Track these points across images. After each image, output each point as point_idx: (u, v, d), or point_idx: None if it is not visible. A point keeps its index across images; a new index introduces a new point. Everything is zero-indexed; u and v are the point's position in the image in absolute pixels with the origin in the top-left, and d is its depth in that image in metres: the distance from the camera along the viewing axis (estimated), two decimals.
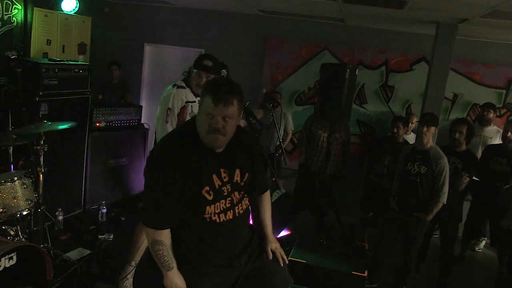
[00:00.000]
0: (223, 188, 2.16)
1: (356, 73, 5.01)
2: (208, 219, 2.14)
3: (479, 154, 5.05)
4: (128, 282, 3.50)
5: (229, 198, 2.20)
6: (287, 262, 2.44)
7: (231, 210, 2.22)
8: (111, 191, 5.21)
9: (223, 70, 3.92)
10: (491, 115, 5.49)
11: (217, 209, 2.15)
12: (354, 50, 6.36)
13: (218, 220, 2.16)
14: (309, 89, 6.57)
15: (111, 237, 4.47)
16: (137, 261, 3.50)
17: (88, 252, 4.05)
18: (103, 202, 4.94)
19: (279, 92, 6.29)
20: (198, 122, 2.08)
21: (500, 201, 4.46)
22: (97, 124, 5.07)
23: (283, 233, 4.57)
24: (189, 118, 3.13)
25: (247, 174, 2.27)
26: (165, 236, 2.10)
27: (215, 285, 2.22)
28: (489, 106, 5.56)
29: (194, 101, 3.42)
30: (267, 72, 6.65)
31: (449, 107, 6.20)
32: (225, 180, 2.17)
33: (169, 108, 3.29)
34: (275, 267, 2.40)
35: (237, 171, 2.22)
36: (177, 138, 2.16)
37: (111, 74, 6.27)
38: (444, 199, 3.96)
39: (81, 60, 5.41)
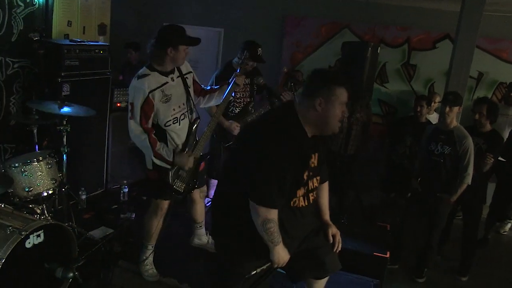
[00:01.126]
0: (311, 173, 2.34)
1: (378, 51, 5.00)
2: (292, 204, 2.31)
3: (505, 134, 4.94)
4: (149, 261, 3.58)
5: (310, 183, 2.38)
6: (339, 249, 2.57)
7: (308, 196, 2.39)
8: (132, 171, 5.27)
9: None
10: None
11: (301, 193, 2.33)
12: (375, 28, 6.23)
13: (299, 205, 2.34)
14: (330, 68, 6.45)
15: (133, 216, 4.55)
16: (154, 245, 3.58)
17: (110, 231, 4.13)
18: (125, 181, 5.02)
19: (300, 71, 6.24)
20: (329, 111, 2.22)
21: None
22: (118, 105, 5.11)
23: None
24: (162, 105, 3.12)
25: (321, 159, 2.44)
26: (276, 214, 2.21)
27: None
28: None
29: (166, 82, 3.16)
30: (287, 51, 6.59)
31: (473, 86, 6.04)
32: (314, 164, 2.36)
33: (131, 103, 3.09)
34: (328, 250, 2.54)
35: (317, 155, 2.38)
36: (287, 124, 2.26)
37: (128, 56, 6.28)
38: (468, 180, 3.90)
39: (102, 41, 5.43)
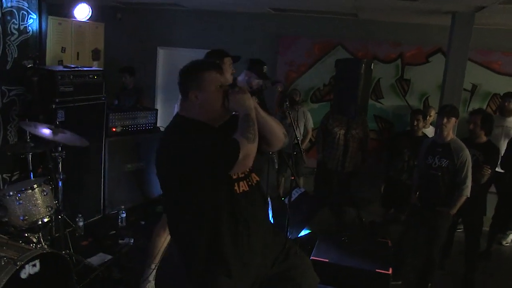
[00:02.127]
0: None
1: (371, 67, 5.02)
2: (236, 190, 2.16)
3: (501, 145, 4.92)
4: (150, 284, 3.51)
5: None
6: None
7: (245, 180, 2.23)
8: (130, 196, 5.24)
9: None
10: None
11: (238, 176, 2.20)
12: (368, 44, 6.30)
13: (239, 190, 2.17)
14: (325, 86, 6.54)
15: (131, 241, 4.49)
16: (157, 264, 3.50)
17: (109, 257, 4.07)
18: (122, 206, 4.96)
19: (297, 90, 6.25)
20: (208, 98, 2.12)
21: None
22: (114, 129, 5.10)
23: (304, 232, 4.55)
24: None
25: None
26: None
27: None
28: (510, 95, 5.40)
29: None
30: (281, 70, 6.64)
31: (468, 99, 6.08)
32: None
33: None
34: (302, 269, 2.38)
35: None
36: (183, 127, 2.16)
37: (123, 81, 6.29)
38: (467, 192, 3.87)
39: (96, 66, 5.45)
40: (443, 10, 4.75)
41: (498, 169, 4.51)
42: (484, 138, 4.19)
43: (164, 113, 6.57)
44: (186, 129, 2.12)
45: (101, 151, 4.95)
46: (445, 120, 3.89)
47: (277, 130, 2.26)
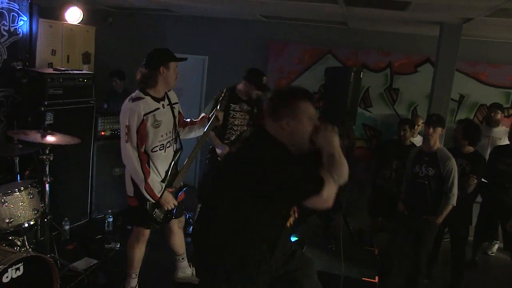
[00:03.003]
0: None
1: (361, 76, 5.07)
2: (288, 224, 2.27)
3: (487, 155, 4.96)
4: None
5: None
6: None
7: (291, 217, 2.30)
8: (117, 200, 5.18)
9: None
10: (499, 115, 5.42)
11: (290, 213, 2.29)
12: (357, 53, 6.34)
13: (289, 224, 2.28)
14: (314, 93, 6.49)
15: (118, 246, 4.45)
16: (137, 273, 3.50)
17: (94, 261, 4.03)
18: (109, 211, 4.94)
19: None
20: (297, 129, 2.15)
21: (509, 203, 4.42)
22: (102, 133, 5.08)
23: (291, 239, 4.52)
24: (153, 129, 3.12)
25: None
26: (328, 187, 2.08)
27: None
28: (496, 106, 5.49)
29: (157, 108, 3.18)
30: (270, 77, 6.52)
31: (455, 109, 6.15)
32: None
33: (126, 126, 3.07)
34: (306, 271, 2.46)
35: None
36: (271, 147, 2.16)
37: (113, 85, 6.30)
38: (453, 201, 3.89)
39: (86, 69, 5.42)
40: (431, 20, 4.81)
41: (482, 179, 4.54)
42: (470, 148, 4.23)
43: None
44: (278, 151, 2.14)
45: (89, 155, 4.91)
46: (431, 130, 3.93)
47: (346, 172, 2.23)
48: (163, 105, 3.24)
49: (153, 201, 3.20)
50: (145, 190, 3.13)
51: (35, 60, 4.95)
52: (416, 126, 5.45)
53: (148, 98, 3.15)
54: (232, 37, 6.69)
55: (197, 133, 3.62)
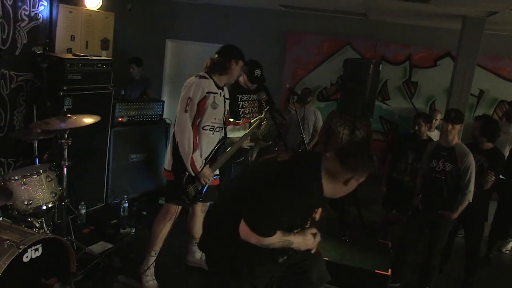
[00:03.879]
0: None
1: (380, 68, 4.98)
2: None
3: (506, 152, 4.93)
4: (150, 271, 3.56)
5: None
6: None
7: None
8: (133, 186, 5.26)
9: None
10: None
11: None
12: (376, 45, 6.28)
13: None
14: (332, 85, 6.52)
15: (133, 231, 4.51)
16: (157, 252, 3.58)
17: (110, 246, 4.09)
18: (125, 196, 4.99)
19: (309, 88, 6.24)
20: (349, 186, 2.21)
21: None
22: (120, 119, 5.12)
23: None
24: (210, 109, 3.36)
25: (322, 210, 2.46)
26: (274, 237, 2.17)
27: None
28: None
29: (217, 93, 3.43)
30: (288, 67, 6.63)
31: (474, 104, 6.07)
32: (312, 219, 2.38)
33: (189, 98, 3.28)
34: (314, 262, 2.49)
35: (320, 210, 2.41)
36: (318, 173, 2.20)
37: (131, 71, 6.33)
38: (469, 197, 3.88)
39: (104, 55, 5.45)
40: (454, 14, 4.73)
41: (501, 176, 4.48)
42: (489, 144, 4.18)
43: (170, 104, 6.59)
44: (314, 187, 2.18)
45: (106, 141, 4.97)
46: (450, 126, 3.92)
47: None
48: (220, 93, 3.49)
49: (193, 174, 3.33)
50: (189, 162, 3.28)
51: (55, 45, 5.00)
52: (433, 121, 5.39)
53: (211, 81, 3.42)
54: (249, 27, 6.67)
55: (236, 134, 3.82)
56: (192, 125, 3.29)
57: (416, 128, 5.03)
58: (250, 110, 4.55)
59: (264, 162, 2.49)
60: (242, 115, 4.47)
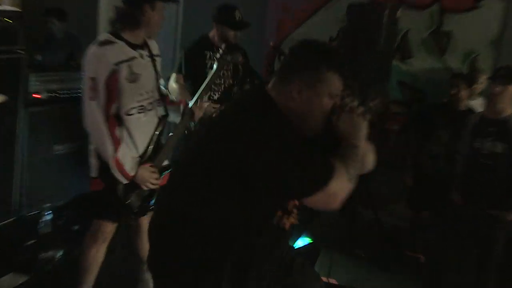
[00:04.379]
0: None
1: (397, 15, 5.03)
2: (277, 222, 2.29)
3: None
4: None
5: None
6: None
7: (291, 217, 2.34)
8: (58, 190, 5.01)
9: None
10: None
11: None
12: None
13: (285, 227, 2.31)
14: (331, 40, 6.42)
15: (60, 254, 4.37)
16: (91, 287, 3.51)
17: (23, 279, 3.92)
18: (48, 205, 4.81)
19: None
20: (311, 103, 2.11)
21: None
22: (37, 96, 4.87)
23: (301, 241, 4.52)
24: (128, 85, 3.18)
25: None
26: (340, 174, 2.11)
27: None
28: None
29: (133, 57, 3.23)
30: (272, 18, 6.60)
31: None
32: None
33: (91, 78, 3.09)
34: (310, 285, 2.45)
35: None
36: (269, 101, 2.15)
37: (50, 27, 6.19)
38: None
39: (8, 5, 5.19)
40: None
41: None
42: None
43: None
44: (280, 124, 2.08)
45: (15, 127, 4.69)
46: (499, 88, 3.93)
47: (369, 167, 2.42)
48: (141, 55, 3.29)
49: (126, 181, 3.21)
50: (114, 166, 3.15)
51: None
52: (475, 84, 5.33)
53: (121, 43, 3.18)
54: None
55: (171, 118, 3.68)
56: (107, 115, 3.15)
57: (454, 93, 5.02)
58: (221, 74, 4.48)
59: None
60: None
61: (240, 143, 2.02)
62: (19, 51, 4.58)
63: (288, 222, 2.30)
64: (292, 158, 2.00)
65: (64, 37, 6.21)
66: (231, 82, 4.62)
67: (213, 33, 4.54)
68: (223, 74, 4.53)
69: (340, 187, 2.07)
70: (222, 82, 4.58)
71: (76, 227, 4.85)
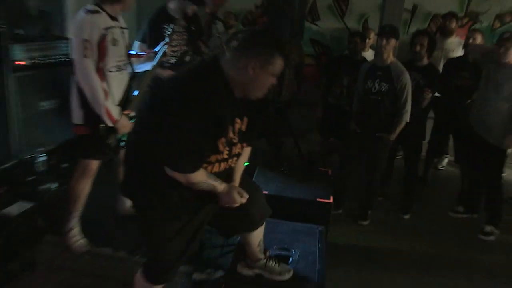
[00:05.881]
0: (235, 139, 2.28)
1: None
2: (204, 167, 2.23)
3: (441, 68, 5.16)
4: (76, 231, 3.54)
5: (234, 149, 2.31)
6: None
7: (227, 162, 2.32)
8: (49, 137, 5.05)
9: None
10: (454, 24, 5.59)
11: (217, 158, 2.25)
12: None
13: (212, 170, 2.27)
14: (257, 7, 6.50)
15: (55, 186, 4.42)
16: (80, 211, 3.53)
17: (30, 205, 3.91)
18: (41, 149, 4.79)
19: (233, 13, 6.12)
20: (260, 77, 2.13)
21: (462, 117, 4.61)
22: (21, 63, 4.82)
23: None
24: (111, 47, 3.19)
25: (253, 125, 2.37)
26: (200, 174, 2.17)
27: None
28: (451, 15, 5.65)
29: (113, 26, 3.23)
30: None
31: (408, 20, 6.27)
32: (236, 130, 2.26)
33: (85, 40, 3.04)
34: (253, 199, 2.49)
35: (246, 120, 2.31)
36: (209, 85, 2.13)
37: (27, 6, 5.73)
38: (407, 117, 4.10)
39: None
40: None
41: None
42: (426, 61, 4.38)
43: None
44: (215, 95, 2.10)
45: (4, 89, 4.67)
46: (384, 41, 4.02)
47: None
48: (117, 25, 3.28)
49: (111, 125, 3.23)
50: (104, 113, 3.17)
51: None
52: (367, 40, 5.55)
53: (104, 13, 3.17)
54: None
55: (142, 67, 3.67)
56: (96, 71, 3.13)
57: (352, 47, 5.12)
58: (177, 43, 4.36)
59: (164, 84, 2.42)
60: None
61: (169, 105, 2.08)
62: (1, 26, 4.52)
63: (214, 169, 2.27)
64: (179, 133, 2.04)
65: (39, 13, 5.74)
66: (185, 48, 4.41)
67: (172, 5, 4.27)
68: (179, 43, 4.37)
69: (193, 180, 2.14)
70: (178, 48, 4.36)
71: (65, 165, 4.87)
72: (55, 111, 5.10)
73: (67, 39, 5.43)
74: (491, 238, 4.37)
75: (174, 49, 4.33)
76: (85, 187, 3.49)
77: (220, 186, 2.28)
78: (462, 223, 4.66)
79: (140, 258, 3.38)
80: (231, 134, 2.22)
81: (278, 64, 2.14)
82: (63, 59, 5.22)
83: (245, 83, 2.15)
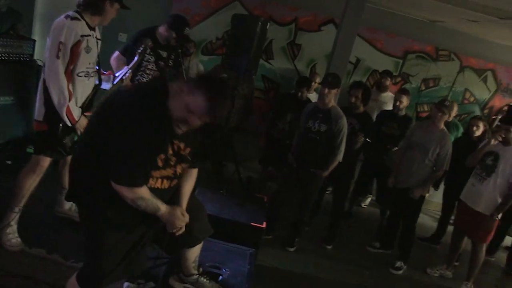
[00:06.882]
0: (172, 158, 2.21)
1: (267, 27, 5.01)
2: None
3: (374, 116, 5.33)
4: (12, 229, 3.27)
5: (173, 169, 2.24)
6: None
7: (169, 180, 2.25)
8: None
9: None
10: (388, 82, 5.90)
11: (158, 176, 2.19)
12: (265, 4, 6.30)
13: (154, 186, 2.18)
14: (217, 39, 6.45)
15: None
16: (21, 208, 3.29)
17: None
18: None
19: (193, 41, 6.05)
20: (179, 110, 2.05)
21: (388, 162, 4.85)
22: None
23: None
24: (84, 53, 3.13)
25: (190, 148, 2.30)
26: (145, 190, 2.09)
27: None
28: (387, 73, 5.95)
29: (89, 35, 3.17)
30: None
31: (351, 71, 6.46)
32: (175, 151, 2.21)
33: (61, 42, 2.99)
34: (196, 216, 2.45)
35: (183, 145, 2.25)
36: (152, 107, 2.06)
37: None
38: (340, 157, 4.15)
39: None
40: None
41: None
42: (362, 109, 4.51)
43: (43, 45, 5.99)
44: (156, 113, 2.03)
45: None
46: (326, 90, 4.07)
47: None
48: (93, 35, 3.23)
49: (70, 125, 3.14)
50: (65, 112, 3.08)
51: None
52: (313, 83, 5.64)
53: (83, 22, 3.12)
54: None
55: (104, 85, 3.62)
56: (65, 72, 3.05)
57: (299, 94, 5.25)
58: (153, 67, 4.29)
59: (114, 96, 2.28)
60: (143, 69, 4.22)
61: (116, 117, 2.02)
62: None
63: (156, 184, 2.19)
64: (128, 147, 1.98)
65: (6, 11, 5.64)
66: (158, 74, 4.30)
67: (161, 31, 4.22)
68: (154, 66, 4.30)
69: (125, 192, 2.04)
70: (152, 71, 4.27)
71: (9, 162, 4.58)
72: (7, 107, 4.80)
73: (32, 40, 5.18)
74: (399, 272, 4.50)
75: (148, 71, 4.28)
76: (32, 184, 3.29)
77: (162, 206, 2.19)
78: (377, 257, 4.74)
79: (74, 263, 3.18)
80: (170, 152, 2.18)
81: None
82: (24, 58, 4.95)
83: (177, 111, 2.06)
